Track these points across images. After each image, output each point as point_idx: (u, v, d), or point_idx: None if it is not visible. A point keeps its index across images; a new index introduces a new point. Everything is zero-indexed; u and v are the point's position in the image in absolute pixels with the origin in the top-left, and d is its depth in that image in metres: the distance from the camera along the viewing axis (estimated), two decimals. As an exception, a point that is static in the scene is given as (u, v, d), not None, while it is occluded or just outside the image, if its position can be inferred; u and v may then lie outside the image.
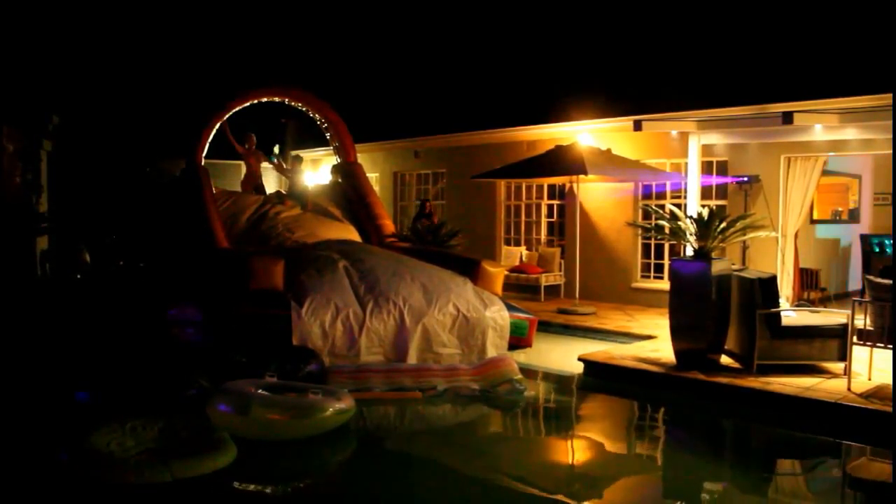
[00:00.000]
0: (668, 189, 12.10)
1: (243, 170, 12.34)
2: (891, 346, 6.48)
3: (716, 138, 10.77)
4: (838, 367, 7.30)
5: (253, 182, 12.14)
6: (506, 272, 10.20)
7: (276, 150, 13.11)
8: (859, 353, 7.06)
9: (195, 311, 8.19)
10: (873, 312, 6.93)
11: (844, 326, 7.17)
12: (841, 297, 12.07)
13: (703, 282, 7.51)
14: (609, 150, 11.79)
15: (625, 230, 12.20)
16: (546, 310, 11.39)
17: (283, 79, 12.47)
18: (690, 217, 8.11)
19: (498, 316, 8.42)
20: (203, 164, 10.67)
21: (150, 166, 14.44)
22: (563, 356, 9.09)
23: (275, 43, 18.35)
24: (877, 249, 12.02)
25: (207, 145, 10.92)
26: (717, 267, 7.58)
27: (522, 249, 13.97)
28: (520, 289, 12.83)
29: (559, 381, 8.70)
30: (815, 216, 12.65)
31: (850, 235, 13.33)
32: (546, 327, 10.15)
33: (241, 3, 18.53)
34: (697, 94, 10.85)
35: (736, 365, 7.70)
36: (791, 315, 7.68)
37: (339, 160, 12.16)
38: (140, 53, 16.48)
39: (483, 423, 7.24)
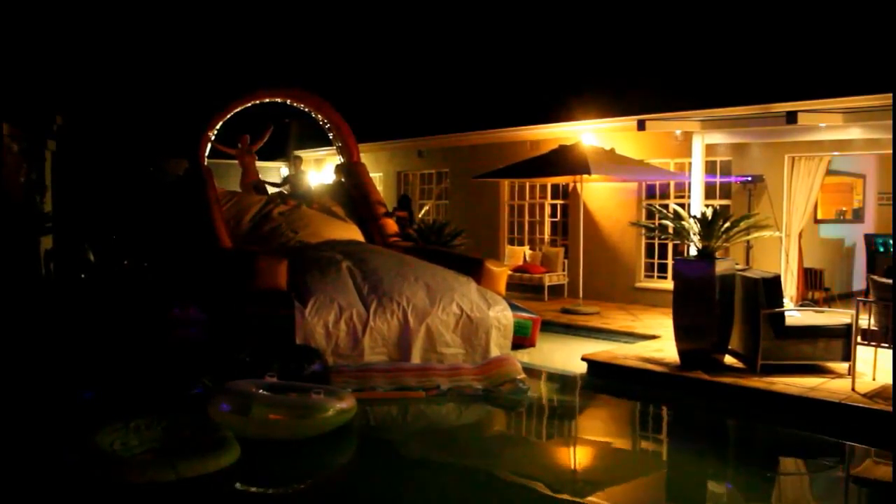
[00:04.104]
0: (671, 189, 12.09)
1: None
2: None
3: (719, 138, 10.74)
4: (842, 367, 7.28)
5: (250, 181, 12.17)
6: (509, 272, 10.19)
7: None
8: (863, 353, 7.06)
9: (199, 311, 8.21)
10: (877, 312, 6.92)
11: (848, 326, 7.15)
12: (845, 297, 12.05)
13: (706, 282, 7.49)
14: (612, 150, 11.78)
15: (628, 230, 12.18)
16: (549, 309, 11.38)
17: (285, 79, 12.47)
18: (694, 217, 8.09)
19: (501, 315, 8.41)
20: (206, 163, 10.70)
21: (153, 166, 14.44)
22: (567, 356, 9.08)
23: (277, 43, 18.37)
24: (881, 249, 12.00)
25: (209, 145, 10.96)
26: (721, 267, 7.56)
27: (526, 249, 13.96)
28: (523, 288, 12.82)
29: (562, 381, 8.69)
30: (820, 216, 12.63)
31: (854, 235, 13.31)
32: (549, 327, 10.13)
33: (243, 3, 18.55)
34: (701, 93, 10.84)
35: (740, 365, 7.69)
36: (795, 315, 7.66)
37: (342, 160, 12.17)
38: (142, 54, 16.51)
39: (486, 423, 7.24)
